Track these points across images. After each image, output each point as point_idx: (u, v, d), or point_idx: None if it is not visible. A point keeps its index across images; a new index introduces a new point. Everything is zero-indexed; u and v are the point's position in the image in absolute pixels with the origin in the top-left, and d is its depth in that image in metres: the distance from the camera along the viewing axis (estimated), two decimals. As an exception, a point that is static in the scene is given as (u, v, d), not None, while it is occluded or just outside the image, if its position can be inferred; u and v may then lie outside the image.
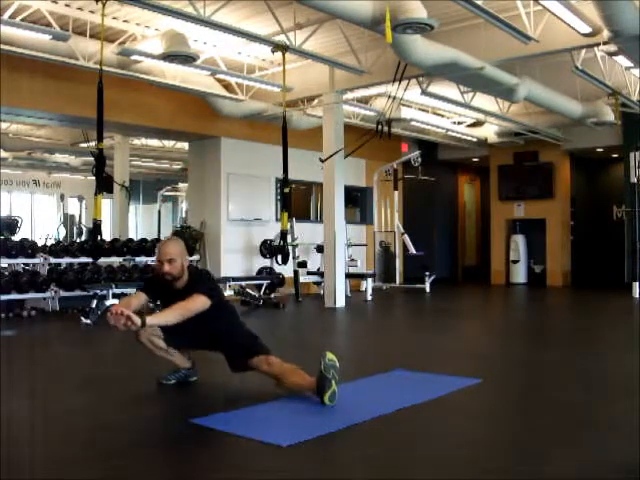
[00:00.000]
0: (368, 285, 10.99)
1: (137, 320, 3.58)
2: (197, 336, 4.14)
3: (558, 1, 6.19)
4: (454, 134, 13.39)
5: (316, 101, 10.34)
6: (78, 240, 13.43)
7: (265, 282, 10.36)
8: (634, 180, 11.52)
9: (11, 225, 11.56)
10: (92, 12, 7.53)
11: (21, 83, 8.45)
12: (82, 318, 7.63)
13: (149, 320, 3.69)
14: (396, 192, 13.15)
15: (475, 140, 13.87)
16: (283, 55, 7.91)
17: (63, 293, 8.78)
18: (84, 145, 13.25)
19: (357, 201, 14.09)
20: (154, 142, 14.85)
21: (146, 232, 16.67)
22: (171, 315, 3.89)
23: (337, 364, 3.67)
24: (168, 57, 7.67)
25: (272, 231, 11.25)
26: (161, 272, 4.01)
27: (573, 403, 3.88)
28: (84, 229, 16.37)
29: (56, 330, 7.65)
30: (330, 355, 3.69)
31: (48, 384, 4.50)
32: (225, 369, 5.43)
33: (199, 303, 3.92)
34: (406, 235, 12.56)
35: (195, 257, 10.71)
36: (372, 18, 6.53)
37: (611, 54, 7.74)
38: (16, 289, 8.40)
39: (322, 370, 3.61)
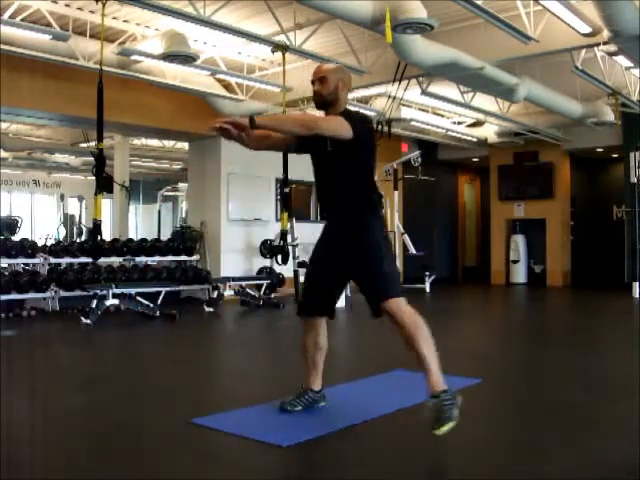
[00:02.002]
0: (368, 285, 10.97)
1: (243, 120, 3.07)
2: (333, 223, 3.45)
3: (558, 1, 6.18)
4: (454, 134, 13.38)
5: (316, 101, 10.32)
6: (78, 240, 13.42)
7: (265, 282, 10.36)
8: (634, 180, 11.52)
9: (11, 225, 11.55)
10: (92, 12, 7.53)
11: (21, 83, 8.44)
12: (82, 318, 7.63)
13: (261, 119, 3.13)
14: (396, 192, 13.14)
15: (475, 140, 13.86)
16: (283, 55, 7.90)
17: (63, 293, 8.77)
18: (84, 145, 13.25)
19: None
20: (154, 142, 14.85)
21: (146, 232, 16.66)
22: (290, 119, 3.35)
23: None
24: (168, 57, 7.66)
25: (272, 231, 11.25)
26: (313, 93, 3.47)
27: (573, 403, 3.88)
28: (84, 229, 16.37)
29: (56, 330, 7.66)
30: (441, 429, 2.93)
31: (48, 384, 4.50)
32: (223, 370, 5.44)
33: (332, 122, 3.27)
34: (406, 235, 12.55)
35: (195, 257, 10.71)
36: (372, 18, 6.52)
37: (611, 54, 7.73)
38: (16, 289, 8.40)
39: (440, 405, 2.96)
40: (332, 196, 3.47)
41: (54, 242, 10.87)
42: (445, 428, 2.87)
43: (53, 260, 9.08)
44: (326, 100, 3.41)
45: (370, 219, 3.37)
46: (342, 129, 3.22)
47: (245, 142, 3.34)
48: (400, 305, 3.20)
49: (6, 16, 6.93)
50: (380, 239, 3.37)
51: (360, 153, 3.38)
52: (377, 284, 3.27)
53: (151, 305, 8.20)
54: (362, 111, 3.51)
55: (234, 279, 9.93)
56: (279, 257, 9.94)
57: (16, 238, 9.84)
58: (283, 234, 8.88)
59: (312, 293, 3.54)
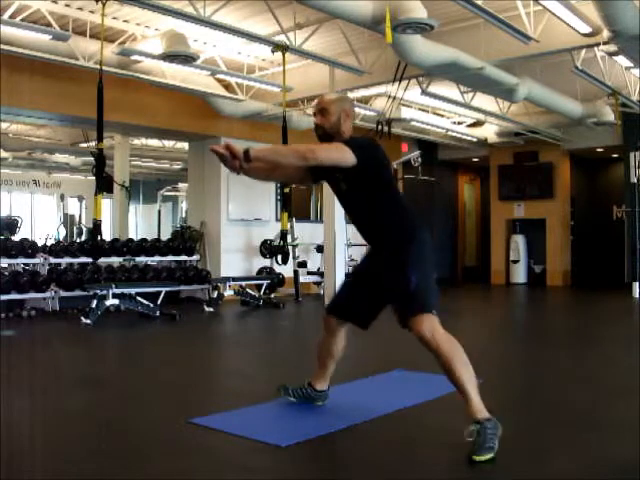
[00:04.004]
0: (368, 285, 10.96)
1: (239, 151, 2.88)
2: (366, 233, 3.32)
3: (558, 1, 6.19)
4: (454, 134, 13.38)
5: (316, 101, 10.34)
6: (78, 240, 13.43)
7: (265, 282, 10.36)
8: (634, 180, 11.52)
9: (11, 225, 11.55)
10: (92, 12, 7.53)
11: (21, 83, 8.45)
12: (82, 318, 7.63)
13: (256, 153, 2.89)
14: (396, 192, 13.13)
15: (475, 140, 13.86)
16: (283, 55, 7.91)
17: (63, 293, 8.76)
18: (84, 145, 13.26)
19: (357, 201, 14.06)
20: (154, 142, 14.86)
21: (146, 232, 16.67)
22: (285, 152, 3.14)
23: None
24: (168, 57, 7.67)
25: (272, 231, 11.24)
26: (314, 125, 3.37)
27: (573, 403, 3.88)
28: (84, 229, 16.37)
29: (56, 330, 7.65)
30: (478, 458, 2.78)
31: (48, 384, 4.50)
32: (223, 370, 5.44)
33: (331, 150, 3.07)
34: (406, 235, 12.52)
35: (195, 257, 10.72)
36: (372, 18, 6.52)
37: (611, 54, 7.74)
38: (16, 289, 8.39)
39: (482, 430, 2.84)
40: (361, 226, 3.36)
41: (54, 242, 10.87)
42: (485, 457, 2.77)
43: (53, 260, 9.07)
44: (328, 133, 3.29)
45: (399, 243, 3.22)
46: (342, 157, 3.02)
47: (240, 172, 3.05)
48: (433, 327, 3.01)
49: (6, 16, 6.93)
50: (409, 259, 3.16)
51: (371, 179, 3.17)
52: (399, 298, 3.13)
53: (151, 305, 8.20)
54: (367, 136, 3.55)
55: (234, 279, 9.93)
56: (279, 257, 9.95)
57: (16, 238, 9.84)
58: (283, 234, 8.88)
59: (340, 296, 3.57)
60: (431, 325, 3.01)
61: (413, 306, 3.05)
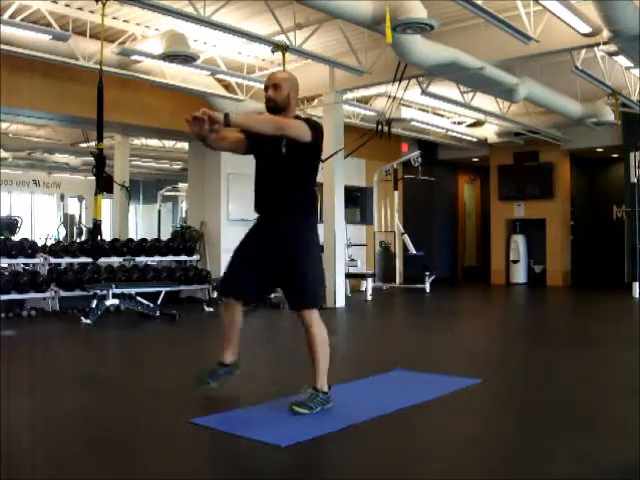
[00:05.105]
0: (368, 285, 10.98)
1: (218, 115, 3.29)
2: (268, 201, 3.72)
3: (558, 1, 6.19)
4: (454, 134, 13.38)
5: (316, 101, 10.34)
6: (78, 240, 13.42)
7: (265, 282, 10.34)
8: (634, 180, 11.52)
9: (11, 225, 11.55)
10: (92, 12, 7.54)
11: (21, 83, 8.45)
12: (82, 318, 7.62)
13: (235, 118, 3.34)
14: (396, 192, 13.15)
15: (475, 140, 13.86)
16: (283, 55, 7.90)
17: (63, 293, 8.76)
18: (84, 145, 13.25)
19: (357, 201, 14.09)
20: (154, 142, 14.85)
21: (146, 232, 16.66)
22: (263, 120, 3.61)
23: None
24: (168, 57, 7.67)
25: (272, 231, 11.23)
26: (265, 98, 3.70)
27: (573, 403, 3.88)
28: (84, 229, 16.38)
29: (56, 330, 7.65)
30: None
31: (48, 384, 4.49)
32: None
33: (298, 125, 3.55)
34: (406, 235, 12.55)
35: (195, 257, 10.72)
36: (372, 18, 6.52)
37: (611, 54, 7.74)
38: (16, 289, 8.39)
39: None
40: (274, 194, 3.70)
41: (54, 242, 10.86)
42: (301, 410, 3.47)
43: (53, 260, 9.06)
44: (279, 106, 3.66)
45: (303, 224, 3.68)
46: (306, 133, 3.54)
47: (208, 141, 3.50)
48: (314, 320, 3.62)
49: (6, 16, 6.93)
50: (309, 246, 3.68)
51: (309, 157, 3.72)
52: (298, 294, 3.65)
53: (151, 305, 8.19)
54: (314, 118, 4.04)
55: (234, 279, 9.90)
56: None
57: (16, 238, 9.84)
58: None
59: (241, 279, 3.85)
60: (315, 318, 3.64)
61: (306, 301, 3.64)
